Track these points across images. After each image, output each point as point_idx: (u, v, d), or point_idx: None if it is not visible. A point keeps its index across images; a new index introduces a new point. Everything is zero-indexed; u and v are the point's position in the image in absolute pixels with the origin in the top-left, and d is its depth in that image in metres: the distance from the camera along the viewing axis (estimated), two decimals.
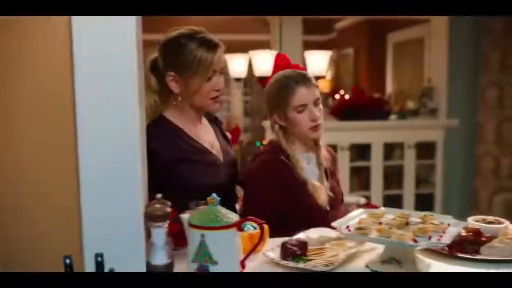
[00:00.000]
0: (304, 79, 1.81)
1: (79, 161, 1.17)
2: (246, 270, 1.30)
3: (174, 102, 1.74)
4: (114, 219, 1.19)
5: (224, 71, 1.76)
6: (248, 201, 1.78)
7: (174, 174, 1.64)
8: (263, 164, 1.82)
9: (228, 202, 1.69)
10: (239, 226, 1.25)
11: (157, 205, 1.26)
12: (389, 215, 1.41)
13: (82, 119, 1.16)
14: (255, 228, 1.46)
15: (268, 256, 1.36)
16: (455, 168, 5.56)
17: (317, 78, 3.19)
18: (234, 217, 1.25)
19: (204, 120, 1.87)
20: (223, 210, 1.26)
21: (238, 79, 3.73)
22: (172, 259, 1.30)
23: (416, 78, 6.53)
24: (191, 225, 1.24)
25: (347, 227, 1.33)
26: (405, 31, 6.77)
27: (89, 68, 1.15)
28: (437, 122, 5.67)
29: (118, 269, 1.12)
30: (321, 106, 1.83)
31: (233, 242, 1.23)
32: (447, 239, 1.26)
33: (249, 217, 1.28)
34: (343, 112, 5.38)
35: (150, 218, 1.23)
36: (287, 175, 1.75)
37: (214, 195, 1.27)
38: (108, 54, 1.15)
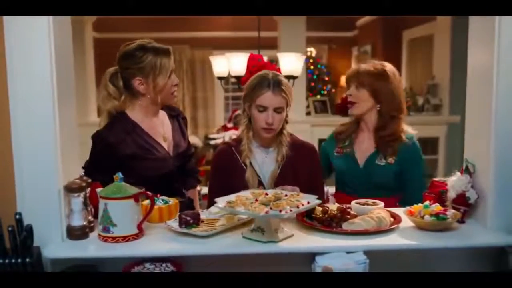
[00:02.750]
0: (275, 85, 1.96)
1: (12, 145, 1.57)
2: (149, 235, 1.67)
3: (140, 102, 2.08)
4: (40, 191, 1.58)
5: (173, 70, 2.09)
6: None
7: (130, 166, 1.96)
8: (216, 150, 2.20)
9: (174, 187, 2.08)
10: (135, 198, 1.61)
11: (76, 180, 1.64)
12: (270, 194, 1.73)
13: (14, 114, 1.56)
14: (166, 202, 1.82)
15: (168, 224, 1.71)
16: (457, 162, 5.66)
17: (290, 77, 3.49)
18: (133, 191, 1.62)
19: (163, 115, 2.21)
20: (126, 186, 1.63)
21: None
22: (90, 223, 1.67)
23: (426, 74, 6.65)
24: (100, 196, 1.62)
25: (228, 202, 1.66)
26: (419, 28, 6.89)
27: (16, 66, 1.53)
28: (439, 118, 5.82)
29: (39, 225, 1.52)
30: (283, 114, 1.98)
31: (129, 210, 1.60)
32: (293, 212, 1.57)
33: (143, 190, 1.63)
34: (343, 108, 5.62)
35: (68, 190, 1.61)
36: (231, 160, 2.05)
37: (119, 173, 1.63)
38: (28, 53, 1.53)
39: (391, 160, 2.23)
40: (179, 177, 2.18)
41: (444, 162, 5.84)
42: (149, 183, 1.88)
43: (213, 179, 2.12)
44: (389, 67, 2.31)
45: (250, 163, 2.03)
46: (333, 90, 8.08)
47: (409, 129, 2.31)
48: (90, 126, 4.73)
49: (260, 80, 2.00)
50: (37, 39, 1.53)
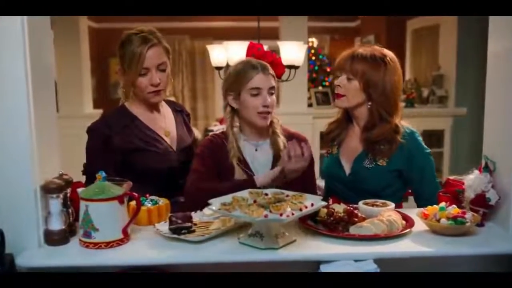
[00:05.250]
0: (263, 67, 1.87)
1: None
2: (136, 240, 1.51)
3: (137, 95, 1.96)
4: (13, 192, 1.43)
5: (162, 67, 1.92)
6: None
7: (130, 161, 1.88)
8: (205, 139, 2.00)
9: (178, 185, 1.90)
10: (120, 200, 1.45)
11: (54, 180, 1.48)
12: (270, 194, 1.56)
13: None
14: (155, 203, 1.66)
15: (157, 227, 1.55)
16: (463, 156, 5.52)
17: (291, 67, 3.32)
18: (117, 192, 1.45)
19: (166, 109, 2.09)
20: (109, 186, 1.47)
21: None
22: (70, 227, 1.52)
23: (432, 65, 6.46)
24: (81, 198, 1.46)
25: (222, 204, 1.50)
26: (423, 18, 6.67)
27: None
28: (445, 110, 5.64)
29: (12, 230, 1.37)
30: (274, 97, 1.86)
31: (112, 213, 1.44)
32: (295, 216, 1.41)
33: (128, 192, 1.47)
34: None
35: (46, 190, 1.45)
36: (220, 153, 1.88)
37: (102, 172, 1.47)
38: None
39: (382, 161, 1.90)
40: (183, 174, 1.98)
41: (450, 156, 5.66)
42: (151, 179, 1.82)
43: (199, 165, 1.88)
44: (390, 55, 1.93)
45: (243, 160, 1.87)
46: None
47: (404, 123, 1.96)
48: (86, 118, 4.53)
49: (246, 65, 1.90)
50: (10, 37, 1.39)
